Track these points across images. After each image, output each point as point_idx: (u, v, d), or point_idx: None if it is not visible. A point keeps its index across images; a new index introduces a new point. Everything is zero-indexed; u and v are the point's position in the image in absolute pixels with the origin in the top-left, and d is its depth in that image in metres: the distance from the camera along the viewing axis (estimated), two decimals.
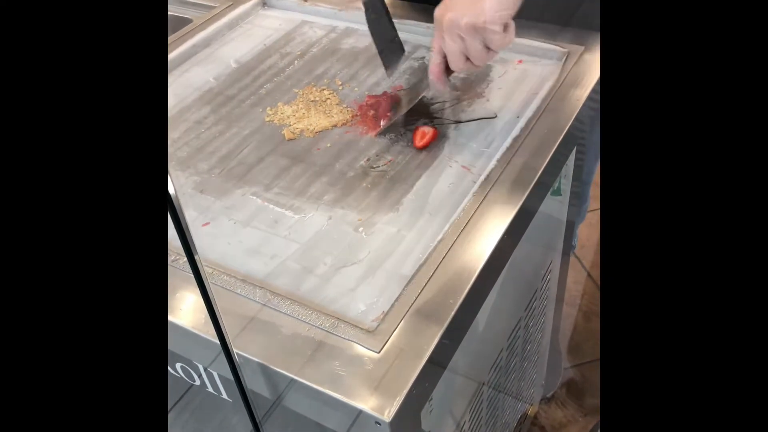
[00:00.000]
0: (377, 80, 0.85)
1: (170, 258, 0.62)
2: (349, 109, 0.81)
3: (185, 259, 0.62)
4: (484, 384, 0.89)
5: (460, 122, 0.77)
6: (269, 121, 0.80)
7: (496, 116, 0.77)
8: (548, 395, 1.37)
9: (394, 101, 0.78)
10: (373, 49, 0.80)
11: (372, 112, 0.78)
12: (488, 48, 0.66)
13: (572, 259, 1.49)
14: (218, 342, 0.49)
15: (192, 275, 0.60)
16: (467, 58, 0.68)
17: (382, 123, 0.75)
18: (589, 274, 1.64)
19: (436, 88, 0.74)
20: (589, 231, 1.67)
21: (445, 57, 0.69)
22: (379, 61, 0.80)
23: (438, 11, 0.68)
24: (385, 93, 0.81)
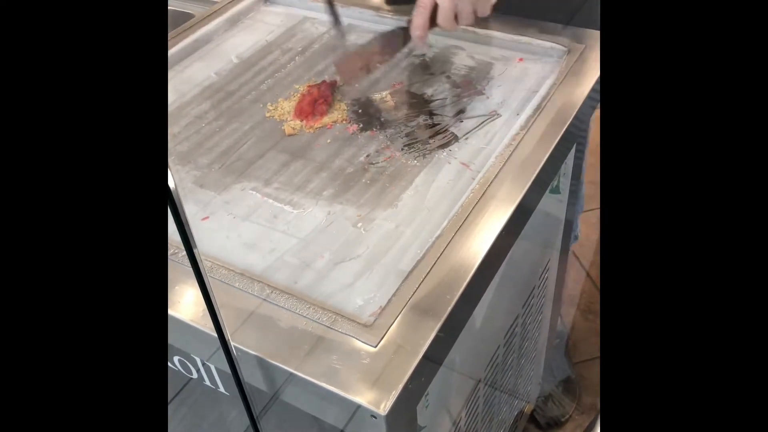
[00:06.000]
0: (377, 77, 0.85)
1: (170, 251, 0.63)
2: (348, 105, 0.81)
3: (184, 252, 0.62)
4: (480, 380, 0.89)
5: (461, 118, 0.77)
6: (269, 116, 0.81)
7: (500, 115, 0.77)
8: (545, 393, 1.37)
9: (333, 86, 0.82)
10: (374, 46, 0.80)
11: (315, 100, 0.80)
12: (475, 12, 0.74)
13: (571, 257, 1.49)
14: (216, 335, 0.50)
15: (190, 269, 0.61)
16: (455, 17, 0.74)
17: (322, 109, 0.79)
18: (587, 273, 1.65)
19: (417, 43, 0.78)
20: (588, 230, 1.67)
21: (430, 13, 0.74)
22: (379, 58, 0.81)
23: None
24: (324, 81, 0.83)
